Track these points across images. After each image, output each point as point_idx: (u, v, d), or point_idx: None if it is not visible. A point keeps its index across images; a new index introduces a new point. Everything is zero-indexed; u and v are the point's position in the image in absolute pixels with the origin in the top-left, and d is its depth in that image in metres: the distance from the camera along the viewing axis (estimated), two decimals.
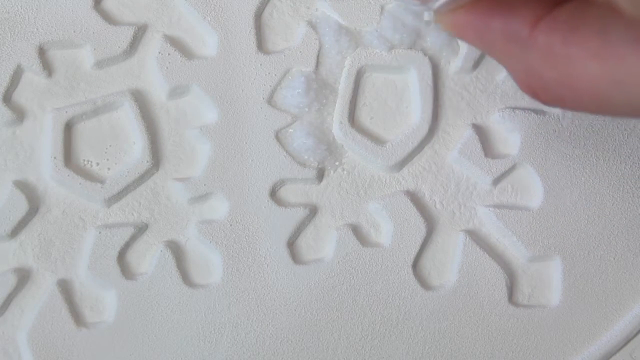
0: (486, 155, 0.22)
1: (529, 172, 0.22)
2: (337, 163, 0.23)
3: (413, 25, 0.23)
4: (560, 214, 0.22)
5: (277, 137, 0.23)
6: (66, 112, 0.23)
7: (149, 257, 0.22)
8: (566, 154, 0.22)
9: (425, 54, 0.23)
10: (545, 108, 0.22)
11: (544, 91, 0.17)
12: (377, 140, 0.23)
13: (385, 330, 0.22)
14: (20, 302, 0.22)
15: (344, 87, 0.23)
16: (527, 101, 0.22)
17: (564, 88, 0.17)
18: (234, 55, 0.23)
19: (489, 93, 0.23)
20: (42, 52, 0.23)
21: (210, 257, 0.22)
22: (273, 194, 0.22)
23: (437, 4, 0.19)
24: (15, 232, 0.22)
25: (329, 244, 0.22)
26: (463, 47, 0.23)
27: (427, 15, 0.22)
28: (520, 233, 0.22)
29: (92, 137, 0.23)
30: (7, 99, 0.23)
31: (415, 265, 0.22)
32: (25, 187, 0.22)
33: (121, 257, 0.22)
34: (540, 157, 0.22)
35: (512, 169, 0.22)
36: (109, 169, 0.23)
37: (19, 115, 0.23)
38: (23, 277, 0.22)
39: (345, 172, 0.23)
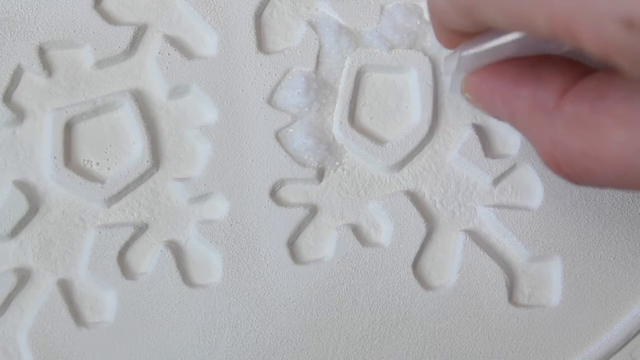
0: (486, 155, 0.22)
1: (529, 172, 0.22)
2: (337, 163, 0.23)
3: (413, 26, 0.23)
4: (560, 214, 0.22)
5: (277, 137, 0.23)
6: (66, 112, 0.23)
7: (149, 257, 0.22)
8: None
9: (425, 54, 0.23)
10: None
11: (568, 164, 0.17)
12: (377, 140, 0.23)
13: (385, 330, 0.22)
14: (20, 302, 0.22)
15: (344, 87, 0.23)
16: None
17: (589, 159, 0.16)
18: (234, 55, 0.23)
19: None
20: (42, 52, 0.23)
21: (210, 257, 0.22)
22: (273, 194, 0.22)
23: (465, 53, 0.19)
24: (15, 232, 0.22)
25: (329, 244, 0.22)
26: None
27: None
28: (520, 233, 0.22)
29: (92, 137, 0.23)
30: (7, 99, 0.23)
31: (415, 265, 0.22)
32: (25, 187, 0.22)
33: (121, 257, 0.22)
34: (540, 157, 0.22)
35: (512, 169, 0.22)
36: (109, 169, 0.23)
37: (19, 115, 0.23)
38: (23, 277, 0.22)
39: (345, 172, 0.23)
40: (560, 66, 0.17)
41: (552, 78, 0.17)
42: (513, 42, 0.17)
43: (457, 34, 0.18)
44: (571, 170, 0.17)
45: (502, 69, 0.18)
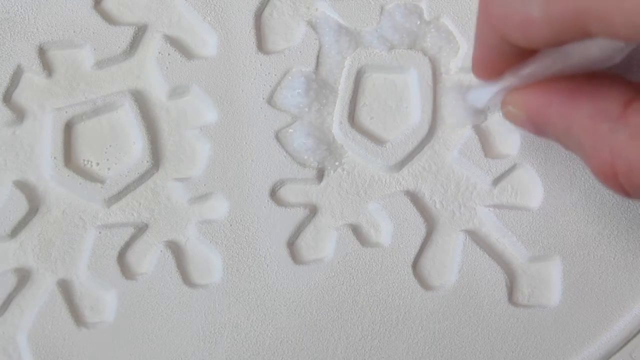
0: (486, 155, 0.22)
1: (529, 172, 0.22)
2: (337, 163, 0.23)
3: (413, 26, 0.23)
4: (560, 214, 0.22)
5: (277, 137, 0.23)
6: (66, 112, 0.23)
7: (149, 257, 0.22)
8: (566, 154, 0.22)
9: (425, 54, 0.23)
10: None
11: (626, 175, 0.17)
12: (377, 140, 0.23)
13: (385, 330, 0.22)
14: (20, 302, 0.22)
15: (344, 87, 0.23)
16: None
17: None
18: (234, 55, 0.23)
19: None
20: (42, 52, 0.23)
21: (210, 257, 0.22)
22: (273, 194, 0.22)
23: (499, 86, 0.19)
24: (15, 232, 0.22)
25: (329, 244, 0.22)
26: (463, 47, 0.23)
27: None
28: (520, 233, 0.22)
29: (92, 137, 0.23)
30: (7, 99, 0.23)
31: (415, 265, 0.22)
32: (25, 187, 0.22)
33: (121, 257, 0.22)
34: (540, 157, 0.22)
35: (512, 169, 0.22)
36: (109, 169, 0.23)
37: (19, 115, 0.23)
38: (23, 277, 0.22)
39: (345, 172, 0.23)
40: (616, 82, 0.18)
41: (613, 91, 0.17)
42: (579, 54, 0.17)
43: (504, 58, 0.19)
44: (629, 181, 0.17)
45: (557, 84, 0.18)
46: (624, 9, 0.15)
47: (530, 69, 0.19)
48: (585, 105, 0.18)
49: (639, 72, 0.19)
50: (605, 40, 0.17)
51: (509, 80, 0.19)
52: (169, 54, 0.23)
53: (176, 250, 0.22)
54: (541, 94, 0.19)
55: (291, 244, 0.22)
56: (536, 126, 0.19)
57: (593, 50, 0.17)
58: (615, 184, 0.18)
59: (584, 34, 0.16)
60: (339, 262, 0.22)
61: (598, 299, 0.22)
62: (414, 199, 0.22)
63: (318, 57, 0.23)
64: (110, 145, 0.23)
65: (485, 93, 0.20)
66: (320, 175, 0.23)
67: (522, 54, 0.18)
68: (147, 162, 0.22)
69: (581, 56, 0.18)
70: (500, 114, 0.22)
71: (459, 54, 0.23)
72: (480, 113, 0.22)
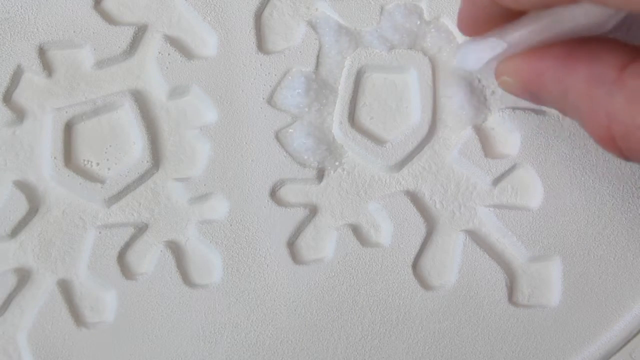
0: (486, 155, 0.22)
1: (529, 172, 0.22)
2: (337, 163, 0.23)
3: (413, 26, 0.23)
4: (560, 214, 0.22)
5: (277, 137, 0.23)
6: (66, 112, 0.23)
7: (149, 257, 0.22)
8: (566, 154, 0.22)
9: (425, 54, 0.23)
10: (545, 108, 0.22)
11: (624, 138, 0.17)
12: (377, 140, 0.23)
13: (385, 330, 0.22)
14: (20, 302, 0.22)
15: (344, 87, 0.23)
16: (527, 101, 0.22)
17: None
18: (234, 55, 0.23)
19: (489, 93, 0.23)
20: (42, 52, 0.23)
21: (210, 257, 0.22)
22: (273, 194, 0.22)
23: (511, 35, 0.19)
24: (15, 232, 0.22)
25: (329, 244, 0.22)
26: None
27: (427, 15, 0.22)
28: (520, 233, 0.22)
29: (92, 137, 0.23)
30: (7, 99, 0.23)
31: (415, 265, 0.22)
32: (25, 187, 0.22)
33: (121, 257, 0.22)
34: (540, 157, 0.22)
35: (512, 169, 0.22)
36: (109, 169, 0.23)
37: (19, 115, 0.23)
38: (23, 277, 0.22)
39: (345, 172, 0.23)
40: (612, 45, 0.18)
41: (609, 54, 0.17)
42: (568, 20, 0.17)
43: (490, 17, 0.18)
44: (626, 144, 0.17)
45: (551, 50, 0.18)
46: None
47: (519, 33, 0.18)
48: (580, 69, 0.18)
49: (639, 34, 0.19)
50: (592, 6, 0.17)
51: (495, 43, 0.19)
52: (169, 54, 0.23)
53: (176, 250, 0.22)
54: (535, 61, 0.19)
55: (291, 244, 0.22)
56: (532, 94, 0.19)
57: (581, 16, 0.17)
58: (613, 147, 0.18)
59: None
60: (339, 262, 0.22)
61: (598, 299, 0.22)
62: (414, 199, 0.22)
63: (318, 57, 0.23)
64: (110, 145, 0.23)
65: (472, 51, 0.20)
66: (320, 175, 0.23)
67: (509, 15, 0.18)
68: (147, 162, 0.22)
69: (570, 22, 0.17)
70: (499, 114, 0.23)
71: None
72: (473, 85, 0.22)
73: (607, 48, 0.17)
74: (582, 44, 0.18)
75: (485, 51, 0.20)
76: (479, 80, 0.23)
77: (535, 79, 0.19)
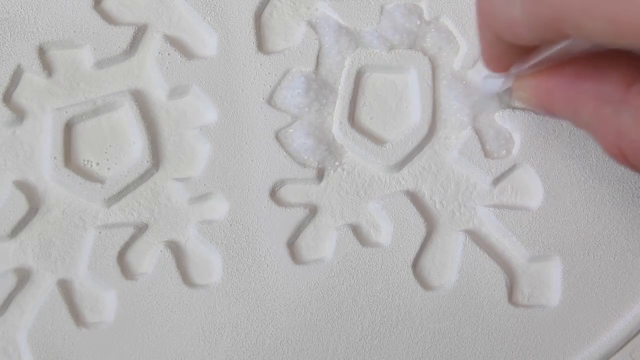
0: (486, 155, 0.22)
1: (529, 172, 0.22)
2: (337, 163, 0.23)
3: (413, 26, 0.23)
4: (560, 214, 0.22)
5: (277, 137, 0.23)
6: (66, 112, 0.23)
7: (149, 257, 0.22)
8: (566, 154, 0.22)
9: (425, 54, 0.23)
10: None
11: (635, 156, 0.17)
12: (377, 140, 0.23)
13: (385, 330, 0.22)
14: (20, 302, 0.22)
15: (344, 87, 0.23)
16: None
17: None
18: (234, 55, 0.23)
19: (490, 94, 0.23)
20: (42, 52, 0.23)
21: (210, 257, 0.22)
22: (273, 194, 0.22)
23: (514, 71, 0.19)
24: (15, 232, 0.22)
25: (329, 244, 0.22)
26: (463, 47, 0.23)
27: (427, 15, 0.22)
28: (520, 233, 0.22)
29: (92, 137, 0.23)
30: (7, 99, 0.23)
31: (415, 265, 0.22)
32: (25, 187, 0.22)
33: (121, 257, 0.22)
34: (540, 157, 0.22)
35: (512, 169, 0.22)
36: (109, 169, 0.23)
37: (19, 115, 0.23)
38: (23, 277, 0.22)
39: (345, 172, 0.23)
40: (620, 60, 0.18)
41: (615, 72, 0.17)
42: (574, 44, 0.17)
43: (509, 52, 0.19)
44: (638, 160, 0.17)
45: (560, 69, 0.18)
46: (594, 17, 0.15)
47: (537, 59, 0.19)
48: (588, 88, 0.18)
49: None
50: None
51: (519, 69, 0.19)
52: (169, 54, 0.23)
53: (176, 250, 0.22)
54: (546, 79, 0.19)
55: (291, 244, 0.22)
56: (546, 109, 0.20)
57: (586, 44, 0.17)
58: (627, 163, 0.18)
59: (565, 36, 0.16)
60: (339, 262, 0.22)
61: (598, 299, 0.22)
62: (414, 199, 0.22)
63: (318, 57, 0.23)
64: (110, 145, 0.23)
65: (500, 80, 0.21)
66: (320, 175, 0.23)
67: (526, 48, 0.19)
68: (147, 162, 0.22)
69: (581, 48, 0.18)
70: (499, 114, 0.23)
71: (459, 54, 0.23)
72: (496, 98, 0.22)
73: (612, 66, 0.18)
74: (590, 61, 0.18)
75: (506, 83, 0.20)
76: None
77: (546, 97, 0.19)
